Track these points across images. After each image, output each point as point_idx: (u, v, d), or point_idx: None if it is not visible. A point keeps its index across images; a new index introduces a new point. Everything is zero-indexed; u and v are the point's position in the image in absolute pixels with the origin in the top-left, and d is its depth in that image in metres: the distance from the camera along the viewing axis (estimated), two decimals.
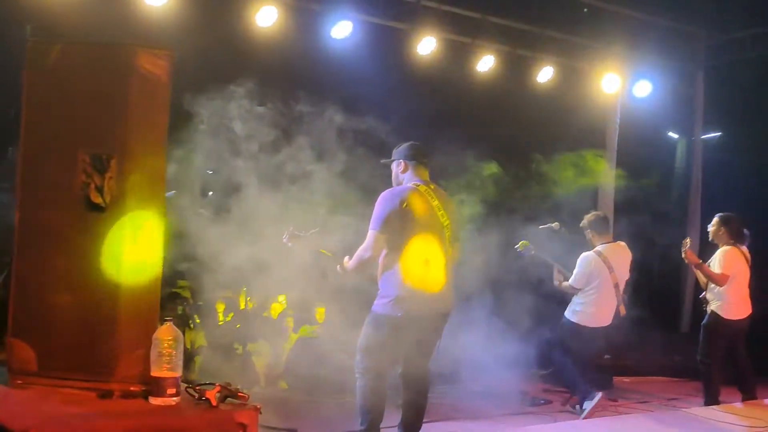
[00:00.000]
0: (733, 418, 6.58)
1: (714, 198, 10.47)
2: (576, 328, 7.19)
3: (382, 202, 4.97)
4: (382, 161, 5.37)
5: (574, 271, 7.23)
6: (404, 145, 5.26)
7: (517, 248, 7.55)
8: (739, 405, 7.28)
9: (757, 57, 9.98)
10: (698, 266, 7.38)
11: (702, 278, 7.55)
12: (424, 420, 5.23)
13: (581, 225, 7.45)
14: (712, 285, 7.36)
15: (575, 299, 7.25)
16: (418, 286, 4.89)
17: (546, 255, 7.52)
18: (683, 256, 7.33)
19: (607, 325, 7.26)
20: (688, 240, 7.43)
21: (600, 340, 7.39)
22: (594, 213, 7.58)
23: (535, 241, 7.57)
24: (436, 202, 5.04)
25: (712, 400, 7.32)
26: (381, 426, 5.01)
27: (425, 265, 4.93)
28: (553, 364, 7.75)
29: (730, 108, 10.65)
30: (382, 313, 4.94)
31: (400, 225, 4.89)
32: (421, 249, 4.92)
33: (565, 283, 7.34)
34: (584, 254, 7.27)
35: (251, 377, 6.83)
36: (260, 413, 3.90)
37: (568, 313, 7.29)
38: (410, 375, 5.14)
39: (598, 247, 7.27)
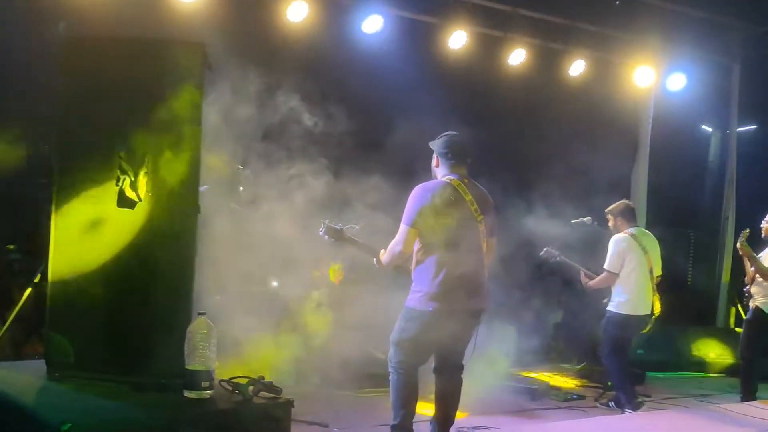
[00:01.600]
0: None
1: (749, 192, 10.32)
2: (624, 320, 7.00)
3: (414, 196, 4.94)
4: (430, 143, 5.24)
5: (608, 254, 7.11)
6: (440, 139, 5.16)
7: (541, 254, 7.56)
8: None
9: None
10: (751, 258, 7.30)
11: (750, 272, 7.45)
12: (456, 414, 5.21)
13: (608, 210, 7.34)
14: (760, 279, 7.28)
15: (616, 290, 7.07)
16: (451, 282, 4.85)
17: (571, 259, 7.49)
18: (738, 246, 7.26)
19: (648, 315, 7.08)
20: (746, 231, 7.32)
21: (642, 328, 7.20)
22: (623, 201, 7.48)
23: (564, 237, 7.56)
24: (469, 197, 4.98)
25: (749, 396, 7.23)
26: (414, 420, 5.00)
27: (458, 260, 4.89)
28: (602, 363, 7.62)
29: (766, 101, 10.49)
30: (414, 308, 4.92)
31: (432, 220, 4.86)
32: (454, 244, 4.88)
33: (595, 281, 7.24)
34: (615, 236, 7.18)
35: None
36: (293, 407, 3.91)
37: (612, 307, 7.09)
38: (443, 369, 5.12)
39: (629, 230, 7.17)
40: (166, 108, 4.09)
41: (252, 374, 4.06)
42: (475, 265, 5.01)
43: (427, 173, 5.27)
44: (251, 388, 3.91)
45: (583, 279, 7.40)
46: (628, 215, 7.29)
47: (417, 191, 4.95)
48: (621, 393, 7.02)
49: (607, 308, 7.16)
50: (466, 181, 5.06)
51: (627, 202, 7.58)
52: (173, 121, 4.07)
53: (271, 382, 3.99)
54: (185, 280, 4.03)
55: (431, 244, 4.89)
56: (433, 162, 5.20)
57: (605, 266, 7.13)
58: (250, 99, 6.11)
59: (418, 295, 4.91)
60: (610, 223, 7.32)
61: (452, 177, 5.05)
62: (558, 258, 7.50)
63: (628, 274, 7.03)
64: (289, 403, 3.91)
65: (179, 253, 4.01)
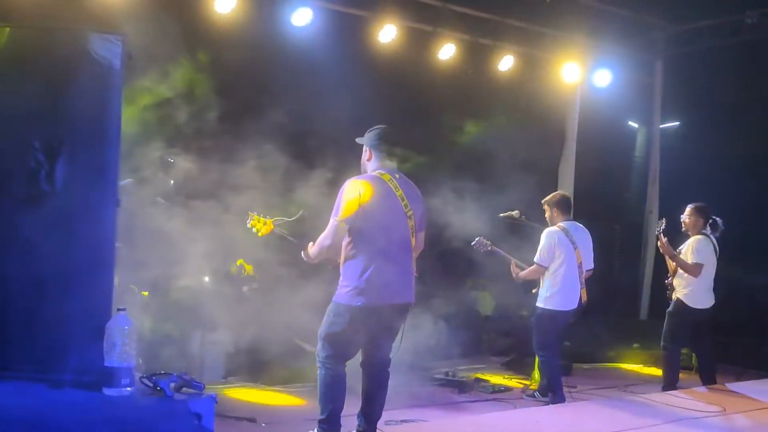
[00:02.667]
0: (691, 403, 6.66)
1: (672, 186, 10.58)
2: (551, 315, 7.07)
3: (345, 190, 4.90)
4: (357, 139, 5.23)
5: (539, 247, 7.13)
6: (372, 131, 5.13)
7: (472, 244, 7.55)
8: (698, 390, 7.38)
9: (715, 47, 10.09)
10: (673, 257, 7.42)
11: (672, 265, 7.58)
12: (384, 408, 5.22)
13: (544, 200, 7.34)
14: (681, 272, 7.42)
15: (544, 285, 7.12)
16: (379, 276, 4.85)
17: (502, 250, 7.51)
18: (658, 244, 7.37)
19: (575, 309, 7.16)
20: (662, 222, 7.42)
21: (569, 321, 7.29)
22: (559, 192, 7.56)
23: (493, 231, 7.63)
24: (400, 192, 4.98)
25: (670, 386, 7.41)
26: (341, 414, 4.99)
27: (386, 255, 4.89)
28: (529, 354, 7.73)
29: (688, 97, 10.76)
30: (342, 303, 4.91)
31: (362, 214, 4.84)
32: (383, 239, 4.88)
33: (524, 272, 7.28)
34: (547, 229, 7.19)
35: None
36: (216, 402, 3.86)
37: (540, 303, 7.14)
38: (370, 364, 5.12)
39: (561, 224, 7.19)
40: (85, 98, 3.98)
41: (174, 370, 3.99)
42: (404, 259, 5.03)
43: (357, 167, 5.25)
44: (172, 384, 3.84)
45: (514, 270, 7.41)
46: (564, 206, 7.29)
47: (348, 185, 4.93)
48: (552, 386, 7.08)
49: (536, 304, 7.20)
50: (397, 175, 5.06)
51: (563, 192, 7.63)
52: (91, 111, 3.96)
53: (193, 378, 3.92)
54: (104, 275, 3.94)
55: (360, 238, 4.88)
56: (365, 155, 5.17)
57: (535, 259, 7.16)
58: (175, 91, 6.02)
59: (346, 290, 4.90)
60: (546, 215, 7.31)
61: (383, 171, 5.04)
62: (489, 248, 7.50)
63: (557, 269, 7.07)
64: (212, 399, 3.85)
65: (97, 247, 3.91)
